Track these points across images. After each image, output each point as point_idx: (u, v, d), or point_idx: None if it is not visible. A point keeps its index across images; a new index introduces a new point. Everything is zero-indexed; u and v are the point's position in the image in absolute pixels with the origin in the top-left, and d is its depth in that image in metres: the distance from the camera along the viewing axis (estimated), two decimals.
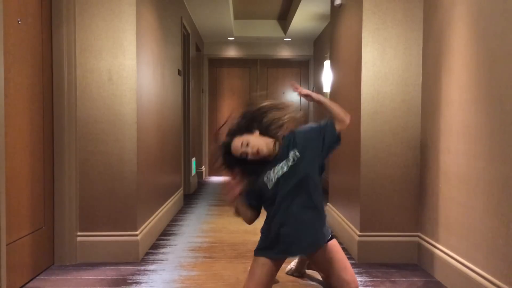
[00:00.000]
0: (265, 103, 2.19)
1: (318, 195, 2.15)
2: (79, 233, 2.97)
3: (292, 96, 7.95)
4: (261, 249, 2.24)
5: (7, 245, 2.26)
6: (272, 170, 2.10)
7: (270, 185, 2.10)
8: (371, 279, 2.69)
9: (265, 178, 2.12)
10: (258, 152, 2.06)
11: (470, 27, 2.37)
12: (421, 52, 3.00)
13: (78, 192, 2.96)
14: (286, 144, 2.13)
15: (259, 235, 2.32)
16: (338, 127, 2.13)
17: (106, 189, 2.98)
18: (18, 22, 2.44)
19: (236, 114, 2.19)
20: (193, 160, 6.29)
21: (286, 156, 2.11)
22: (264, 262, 2.19)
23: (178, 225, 4.12)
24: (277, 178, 2.08)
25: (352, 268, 2.28)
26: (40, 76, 2.72)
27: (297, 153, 2.10)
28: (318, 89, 7.00)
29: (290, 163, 2.09)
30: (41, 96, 2.73)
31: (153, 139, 3.59)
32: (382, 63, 3.01)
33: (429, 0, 2.91)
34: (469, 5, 2.39)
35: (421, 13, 2.99)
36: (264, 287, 2.17)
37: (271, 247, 2.21)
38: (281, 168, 2.10)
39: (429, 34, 2.90)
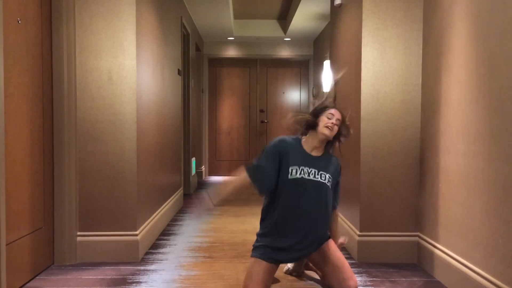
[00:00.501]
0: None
1: (329, 209, 2.35)
2: (79, 233, 2.97)
3: (293, 96, 7.95)
4: (260, 248, 2.24)
5: (7, 244, 2.26)
6: (302, 168, 2.26)
7: (291, 176, 2.25)
8: (371, 279, 2.69)
9: (290, 167, 2.25)
10: (336, 124, 2.33)
11: (470, 27, 2.37)
12: (421, 52, 3.00)
13: (78, 192, 2.96)
14: (330, 160, 2.38)
15: None
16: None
17: (106, 189, 2.98)
18: (18, 22, 2.44)
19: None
20: (193, 160, 6.29)
21: (321, 167, 2.30)
22: (262, 261, 2.20)
23: (178, 225, 4.12)
24: (301, 177, 2.24)
25: (352, 268, 2.29)
26: (40, 76, 2.72)
27: (329, 175, 2.31)
28: (318, 89, 7.00)
29: (317, 177, 2.27)
30: (41, 96, 2.73)
31: (153, 139, 3.59)
32: (382, 63, 3.01)
33: (429, 0, 2.91)
34: (469, 5, 2.39)
35: (421, 13, 2.99)
36: (263, 286, 2.18)
37: (271, 248, 2.21)
38: (308, 172, 2.25)
39: (429, 34, 2.90)
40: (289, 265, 2.74)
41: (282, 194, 2.24)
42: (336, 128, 2.33)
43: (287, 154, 2.27)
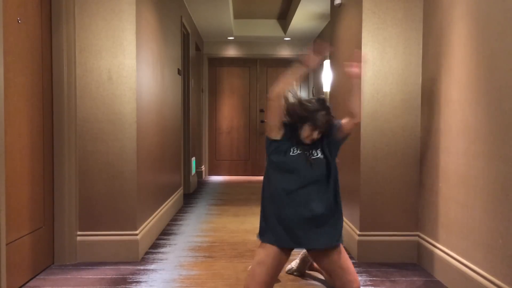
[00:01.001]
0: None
1: (333, 194, 2.23)
2: (78, 233, 2.97)
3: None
4: (266, 234, 2.22)
5: (7, 244, 2.26)
6: (296, 147, 2.22)
7: (287, 153, 2.21)
8: (371, 279, 2.69)
9: (291, 147, 2.22)
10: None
11: (470, 27, 2.37)
12: (421, 51, 3.00)
13: (78, 192, 2.96)
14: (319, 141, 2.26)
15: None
16: (347, 126, 2.24)
17: (106, 189, 2.98)
18: (18, 21, 2.44)
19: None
20: (193, 159, 6.29)
21: (314, 147, 2.23)
22: (273, 249, 2.17)
23: (178, 224, 4.12)
24: (296, 153, 2.19)
25: None
26: (40, 75, 2.72)
27: (320, 153, 2.23)
28: (318, 89, 7.00)
29: (309, 155, 2.20)
30: (41, 96, 2.73)
31: (153, 138, 3.59)
32: (382, 63, 3.01)
33: (429, 0, 2.91)
34: (469, 5, 2.39)
35: (421, 13, 2.99)
36: (272, 276, 2.16)
37: (281, 233, 2.19)
38: (299, 151, 2.20)
39: (429, 34, 2.90)
40: (293, 265, 2.74)
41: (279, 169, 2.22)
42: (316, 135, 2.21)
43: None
